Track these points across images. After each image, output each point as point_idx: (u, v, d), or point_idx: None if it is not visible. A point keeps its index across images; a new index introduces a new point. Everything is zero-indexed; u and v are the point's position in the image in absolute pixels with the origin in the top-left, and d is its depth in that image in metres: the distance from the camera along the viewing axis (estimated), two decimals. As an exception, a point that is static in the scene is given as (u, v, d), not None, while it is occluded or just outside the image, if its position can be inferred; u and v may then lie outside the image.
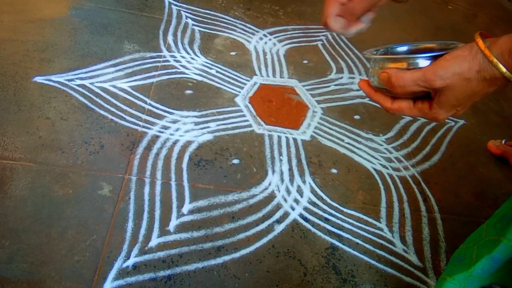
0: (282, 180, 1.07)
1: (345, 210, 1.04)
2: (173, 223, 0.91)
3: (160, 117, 1.15)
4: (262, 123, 1.22)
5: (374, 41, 1.80)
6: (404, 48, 0.67)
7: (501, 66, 0.47)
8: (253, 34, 1.60)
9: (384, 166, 1.19)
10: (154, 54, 1.36)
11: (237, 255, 0.89)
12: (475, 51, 0.49)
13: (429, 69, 0.53)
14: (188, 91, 1.27)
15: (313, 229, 0.98)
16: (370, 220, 1.04)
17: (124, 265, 0.82)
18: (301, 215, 1.00)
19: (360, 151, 1.22)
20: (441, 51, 0.54)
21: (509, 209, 0.57)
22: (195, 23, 1.57)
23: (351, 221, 1.02)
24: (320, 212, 1.02)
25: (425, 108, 0.59)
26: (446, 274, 0.62)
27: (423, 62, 0.54)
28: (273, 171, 1.09)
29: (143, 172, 0.99)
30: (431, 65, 0.53)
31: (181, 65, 1.35)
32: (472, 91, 0.51)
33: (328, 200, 1.05)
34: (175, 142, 1.09)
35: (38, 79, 1.16)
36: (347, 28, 0.67)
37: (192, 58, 1.40)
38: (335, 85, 1.46)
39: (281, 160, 1.13)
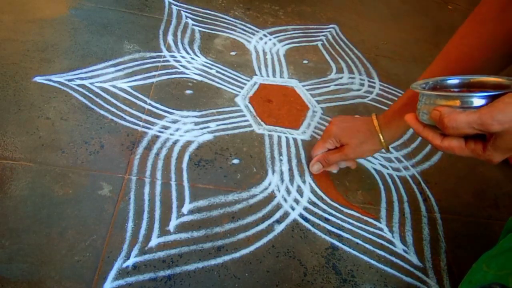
0: (282, 180, 1.07)
1: (345, 210, 1.04)
2: (173, 223, 0.91)
3: (160, 117, 1.15)
4: (262, 123, 1.22)
5: (374, 41, 1.81)
6: (455, 81, 0.61)
7: None
8: (253, 34, 1.60)
9: (384, 166, 1.19)
10: (154, 54, 1.36)
11: (237, 255, 0.89)
12: None
13: (486, 112, 0.48)
14: (188, 91, 1.27)
15: (313, 229, 0.98)
16: (370, 220, 1.04)
17: (124, 265, 0.82)
18: (301, 215, 1.00)
19: (360, 151, 1.22)
20: (496, 88, 0.50)
21: None
22: (195, 23, 1.57)
23: (351, 221, 1.02)
24: (320, 212, 1.02)
25: (478, 149, 0.54)
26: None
27: (477, 101, 0.50)
28: (273, 171, 1.09)
29: (143, 172, 1.00)
30: (487, 107, 0.48)
31: (181, 65, 1.35)
32: None
33: (328, 200, 1.05)
34: (175, 142, 1.09)
35: (38, 79, 1.16)
36: (320, 171, 1.06)
37: (192, 58, 1.40)
38: (335, 85, 1.46)
39: (281, 160, 1.13)
